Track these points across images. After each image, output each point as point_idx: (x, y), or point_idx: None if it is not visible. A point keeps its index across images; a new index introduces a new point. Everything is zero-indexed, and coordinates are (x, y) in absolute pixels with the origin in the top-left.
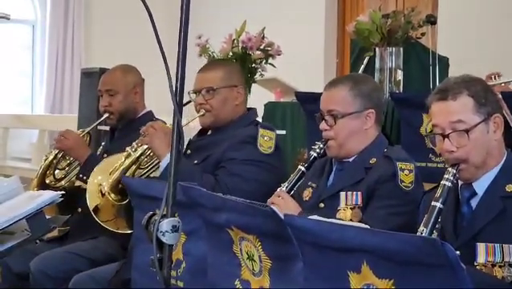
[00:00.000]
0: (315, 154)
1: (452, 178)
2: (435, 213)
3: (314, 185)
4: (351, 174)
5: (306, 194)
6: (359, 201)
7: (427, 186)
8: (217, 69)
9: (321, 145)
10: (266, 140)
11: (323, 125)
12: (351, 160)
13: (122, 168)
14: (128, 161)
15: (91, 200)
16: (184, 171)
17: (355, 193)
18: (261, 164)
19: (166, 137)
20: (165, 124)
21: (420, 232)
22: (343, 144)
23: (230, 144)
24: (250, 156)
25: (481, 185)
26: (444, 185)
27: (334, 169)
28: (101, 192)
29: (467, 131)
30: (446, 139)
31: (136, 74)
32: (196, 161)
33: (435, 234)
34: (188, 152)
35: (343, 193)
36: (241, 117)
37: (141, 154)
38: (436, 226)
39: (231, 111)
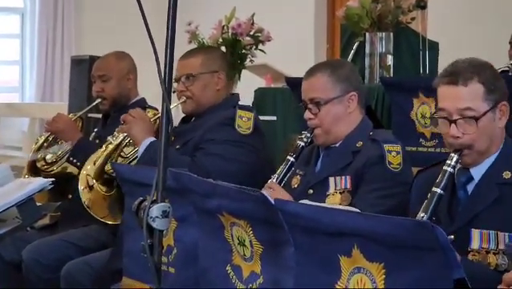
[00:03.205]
0: (303, 144)
1: (454, 164)
2: (435, 198)
3: (301, 172)
4: (339, 159)
5: (295, 182)
6: (349, 185)
7: (416, 171)
8: (196, 56)
9: (308, 134)
10: (244, 121)
11: (307, 114)
12: (337, 145)
13: (104, 154)
14: (109, 148)
15: (83, 195)
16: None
17: (343, 177)
18: (241, 145)
19: (145, 124)
20: (157, 110)
21: (419, 217)
22: (330, 130)
23: (208, 127)
24: (229, 137)
25: (478, 171)
26: (447, 171)
27: (321, 156)
28: (89, 185)
29: (476, 118)
30: (453, 124)
31: (129, 60)
32: (177, 146)
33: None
34: (172, 138)
35: (331, 178)
36: (221, 102)
37: (121, 141)
38: None
39: (212, 97)
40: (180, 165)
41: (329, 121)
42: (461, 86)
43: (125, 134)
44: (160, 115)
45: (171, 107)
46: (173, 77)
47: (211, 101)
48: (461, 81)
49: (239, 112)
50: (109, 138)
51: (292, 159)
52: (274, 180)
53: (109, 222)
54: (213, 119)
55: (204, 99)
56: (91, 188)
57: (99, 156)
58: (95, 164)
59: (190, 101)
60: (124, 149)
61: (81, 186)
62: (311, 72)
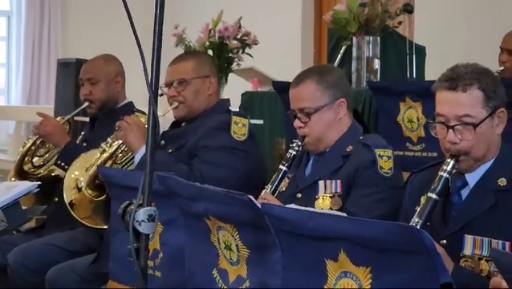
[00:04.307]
0: (294, 152)
1: (450, 170)
2: (430, 204)
3: (290, 175)
4: (329, 163)
5: (283, 185)
6: (339, 190)
7: (404, 175)
8: (187, 60)
9: (299, 142)
10: (240, 127)
11: (296, 123)
12: (328, 150)
13: (98, 163)
14: (103, 157)
15: (68, 194)
16: (157, 161)
17: (334, 181)
18: (235, 151)
19: (140, 131)
20: (145, 114)
21: (413, 222)
22: (320, 138)
23: (204, 132)
24: (224, 143)
25: (473, 177)
26: (442, 176)
27: (311, 160)
28: (78, 187)
29: (474, 125)
30: (450, 130)
31: (117, 63)
32: (170, 151)
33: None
34: (162, 142)
35: (321, 182)
36: (213, 107)
37: (116, 149)
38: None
39: (204, 102)
40: (178, 174)
41: (319, 129)
42: (461, 92)
43: (120, 141)
44: None
45: (163, 113)
46: (164, 82)
47: (203, 106)
48: (461, 87)
49: (234, 118)
50: (103, 145)
51: (285, 168)
52: (268, 190)
53: (88, 224)
54: (207, 124)
55: (196, 104)
56: (79, 190)
57: (92, 163)
58: (87, 170)
59: (182, 106)
60: (118, 156)
61: (69, 186)
62: (299, 80)
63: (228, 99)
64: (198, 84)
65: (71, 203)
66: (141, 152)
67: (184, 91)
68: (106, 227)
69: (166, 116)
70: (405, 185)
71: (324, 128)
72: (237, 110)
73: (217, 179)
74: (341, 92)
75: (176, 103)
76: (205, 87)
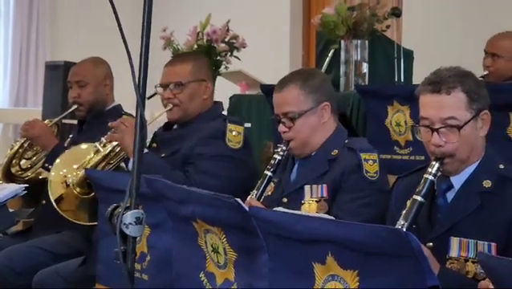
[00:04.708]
0: (279, 157)
1: (435, 172)
2: (416, 206)
3: (275, 179)
4: (315, 168)
5: (269, 189)
6: (325, 194)
7: (391, 179)
8: (185, 63)
9: (283, 147)
10: (235, 135)
11: (281, 128)
12: (313, 154)
13: (90, 165)
14: (97, 158)
15: (55, 190)
16: (154, 166)
17: (319, 185)
18: (229, 160)
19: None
20: (133, 117)
21: (399, 225)
22: (305, 142)
23: (199, 139)
24: (219, 152)
25: (458, 179)
26: (427, 179)
27: (296, 164)
28: (66, 183)
29: (458, 127)
30: (435, 133)
31: (106, 66)
32: (163, 155)
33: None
34: (154, 145)
35: (307, 187)
36: (207, 111)
37: (110, 151)
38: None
39: (199, 106)
40: (175, 181)
41: (304, 133)
42: (445, 94)
43: (115, 143)
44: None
45: (159, 115)
46: (160, 82)
47: (197, 110)
48: (445, 90)
49: (229, 126)
50: (97, 144)
51: (270, 174)
52: (254, 196)
53: (69, 218)
54: (202, 130)
55: (191, 107)
56: (67, 185)
57: (85, 162)
58: (78, 168)
59: (177, 109)
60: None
61: (57, 181)
62: (282, 85)
63: (221, 103)
64: (194, 88)
65: (57, 198)
66: None
67: (180, 94)
68: (92, 226)
69: (158, 118)
70: (391, 190)
71: (309, 132)
72: (233, 116)
73: (211, 189)
74: (324, 96)
75: (170, 106)
76: (201, 91)
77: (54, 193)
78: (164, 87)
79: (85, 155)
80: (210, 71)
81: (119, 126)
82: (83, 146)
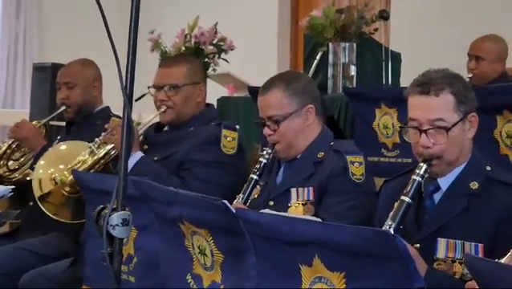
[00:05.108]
0: (265, 161)
1: (423, 174)
2: (403, 207)
3: (261, 182)
4: (301, 170)
5: (255, 192)
6: (311, 197)
7: (379, 181)
8: (181, 65)
9: (269, 150)
10: (229, 141)
11: (266, 131)
12: (298, 156)
13: (85, 166)
14: (90, 161)
15: (43, 185)
16: (150, 171)
17: (306, 188)
18: (224, 166)
19: (134, 137)
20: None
21: (387, 225)
22: (291, 144)
23: (193, 144)
24: (214, 158)
25: (445, 181)
26: (415, 180)
27: (282, 167)
28: (54, 180)
29: (447, 129)
30: (423, 134)
31: (95, 68)
32: (156, 158)
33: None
34: (146, 147)
35: (293, 190)
36: (200, 114)
37: (105, 154)
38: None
39: (193, 109)
40: (170, 186)
41: (289, 136)
42: (433, 96)
43: (111, 145)
44: (141, 125)
45: (153, 117)
46: (154, 83)
47: (191, 113)
48: (433, 91)
49: (224, 132)
50: (92, 146)
51: (256, 177)
52: (240, 200)
53: (50, 214)
54: (197, 135)
55: (185, 110)
56: (56, 183)
57: (77, 164)
58: (68, 169)
59: (171, 111)
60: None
61: (45, 179)
62: (266, 88)
63: (213, 106)
64: (189, 91)
65: (46, 194)
66: (134, 159)
67: (175, 96)
68: (79, 228)
69: (147, 119)
70: (378, 193)
71: (294, 135)
72: (228, 122)
73: (207, 195)
74: (309, 98)
75: (164, 108)
76: (195, 93)
77: (43, 188)
78: (158, 88)
79: (78, 155)
80: (204, 74)
81: (116, 129)
82: (78, 143)
